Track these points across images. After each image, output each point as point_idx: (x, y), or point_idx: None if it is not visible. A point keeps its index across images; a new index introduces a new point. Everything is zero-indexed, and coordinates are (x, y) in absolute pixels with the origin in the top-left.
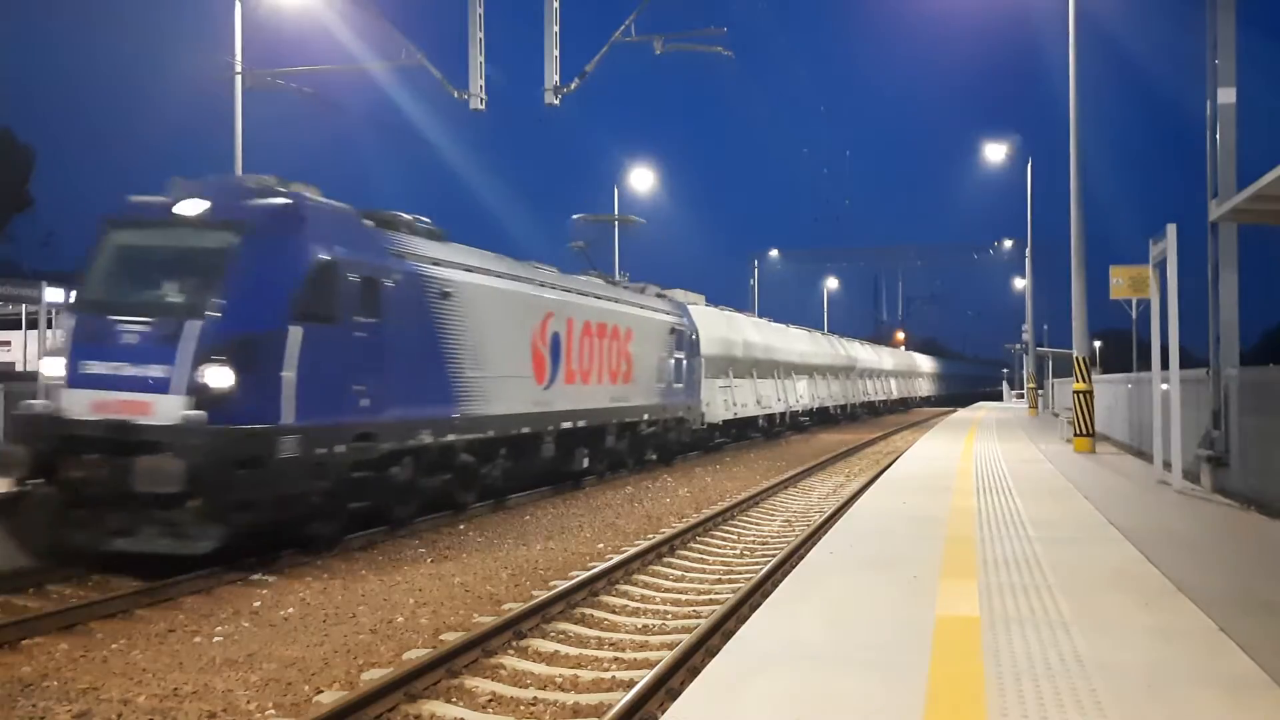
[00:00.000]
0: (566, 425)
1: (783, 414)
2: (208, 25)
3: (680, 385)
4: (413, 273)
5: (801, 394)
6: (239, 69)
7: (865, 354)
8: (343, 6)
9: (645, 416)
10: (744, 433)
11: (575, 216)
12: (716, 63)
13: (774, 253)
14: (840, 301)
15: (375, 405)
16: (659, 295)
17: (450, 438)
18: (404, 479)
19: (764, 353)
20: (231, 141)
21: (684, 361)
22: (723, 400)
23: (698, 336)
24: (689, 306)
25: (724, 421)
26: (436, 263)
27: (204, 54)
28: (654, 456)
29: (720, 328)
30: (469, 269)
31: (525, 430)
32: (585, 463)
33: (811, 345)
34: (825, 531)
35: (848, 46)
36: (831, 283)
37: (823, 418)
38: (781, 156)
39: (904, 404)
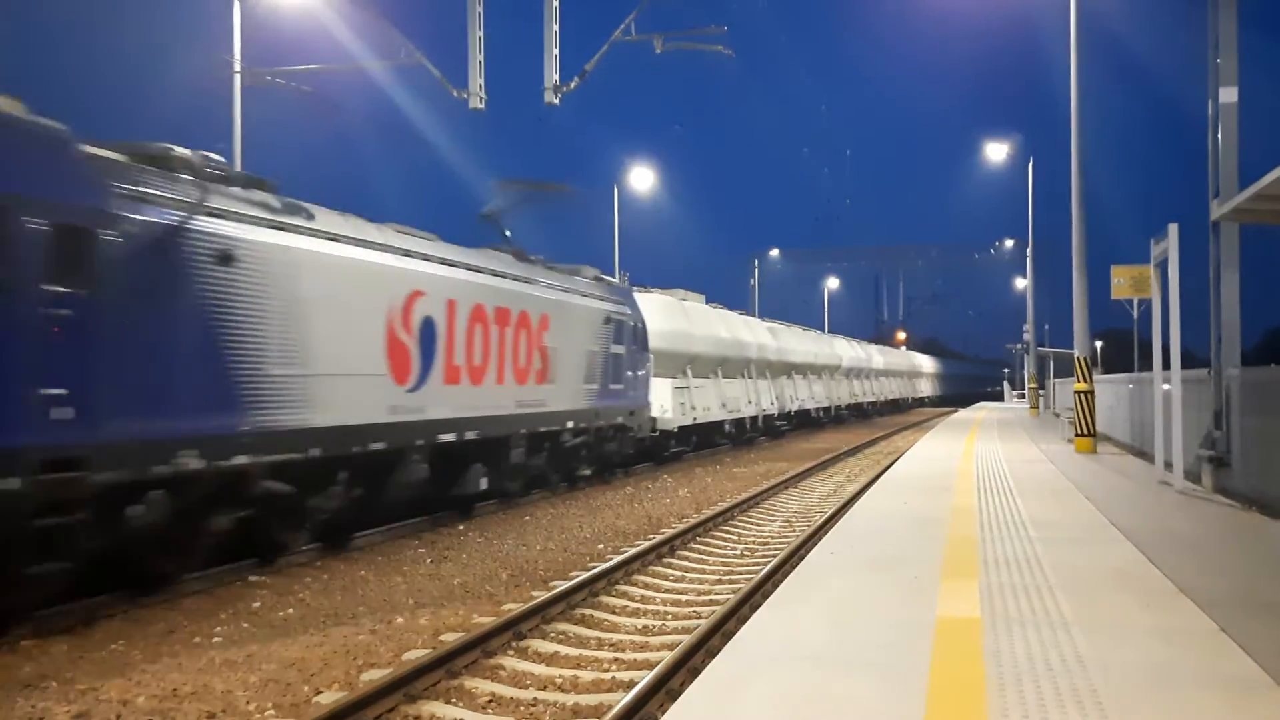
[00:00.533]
0: (447, 438)
1: (754, 418)
2: (206, 24)
3: (620, 386)
4: (164, 226)
5: (777, 396)
6: (238, 68)
7: (852, 351)
8: (342, 6)
9: (570, 424)
10: (709, 439)
11: (494, 182)
12: (717, 62)
13: (774, 252)
14: (841, 302)
15: (84, 417)
16: (598, 279)
17: (239, 460)
18: (152, 521)
19: (732, 349)
20: (230, 140)
21: (626, 357)
22: (678, 403)
23: (645, 328)
24: (639, 294)
25: (680, 428)
26: (216, 214)
27: (202, 52)
28: (588, 472)
29: (675, 319)
30: (277, 226)
31: (379, 446)
32: (483, 484)
33: (788, 341)
34: (826, 532)
35: (848, 46)
36: (832, 283)
37: (804, 421)
38: (782, 156)
39: (897, 406)
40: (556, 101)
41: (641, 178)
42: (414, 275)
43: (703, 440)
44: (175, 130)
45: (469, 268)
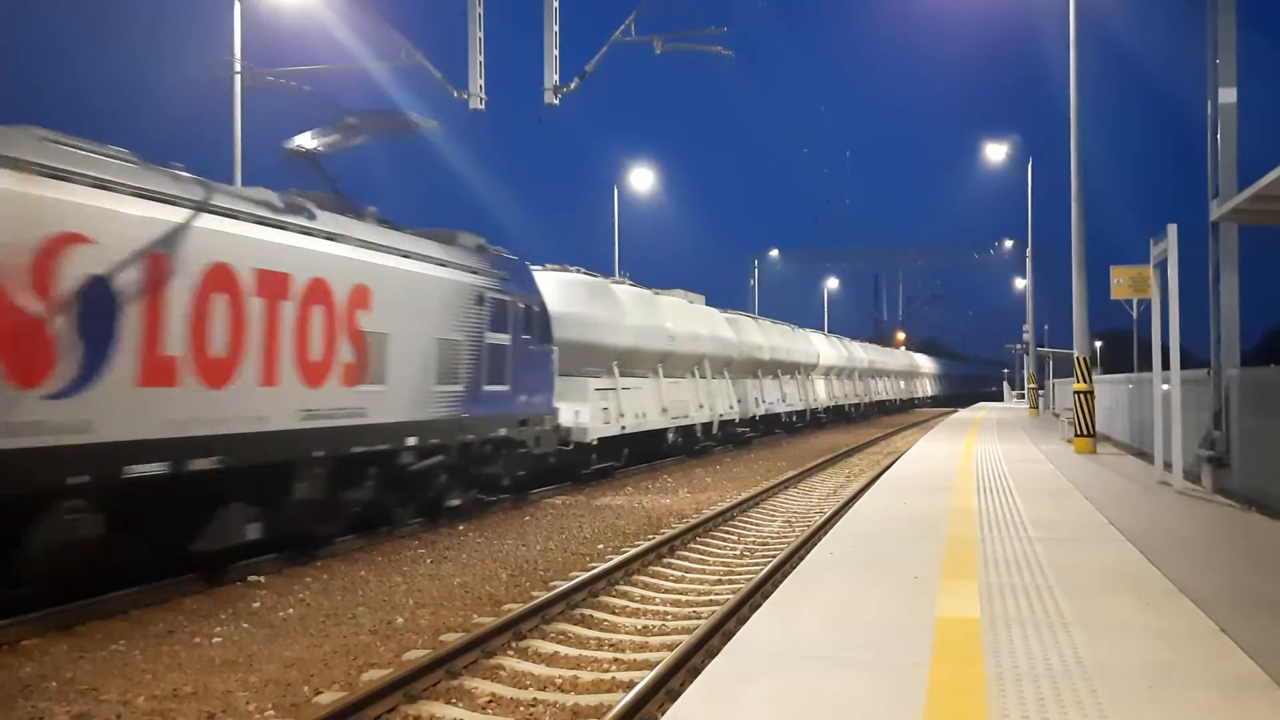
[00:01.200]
0: (144, 470)
1: (707, 425)
2: (206, 24)
3: (503, 388)
4: None
5: (740, 398)
6: (238, 68)
7: (833, 349)
8: (342, 6)
9: (413, 441)
10: (652, 451)
11: (347, 115)
12: (717, 62)
13: (774, 253)
14: (841, 302)
15: None
16: (481, 249)
17: None
18: None
19: (679, 343)
20: (230, 140)
21: (515, 350)
22: (600, 408)
23: (546, 314)
24: (542, 273)
25: (603, 440)
26: None
27: (204, 53)
28: (456, 502)
29: (595, 304)
30: None
31: None
32: (251, 533)
33: (753, 336)
34: (826, 532)
35: (848, 46)
36: (832, 283)
37: (774, 426)
38: (782, 156)
39: (883, 408)
40: (556, 102)
41: (641, 178)
42: (59, 209)
43: (641, 453)
44: (177, 129)
45: (197, 206)
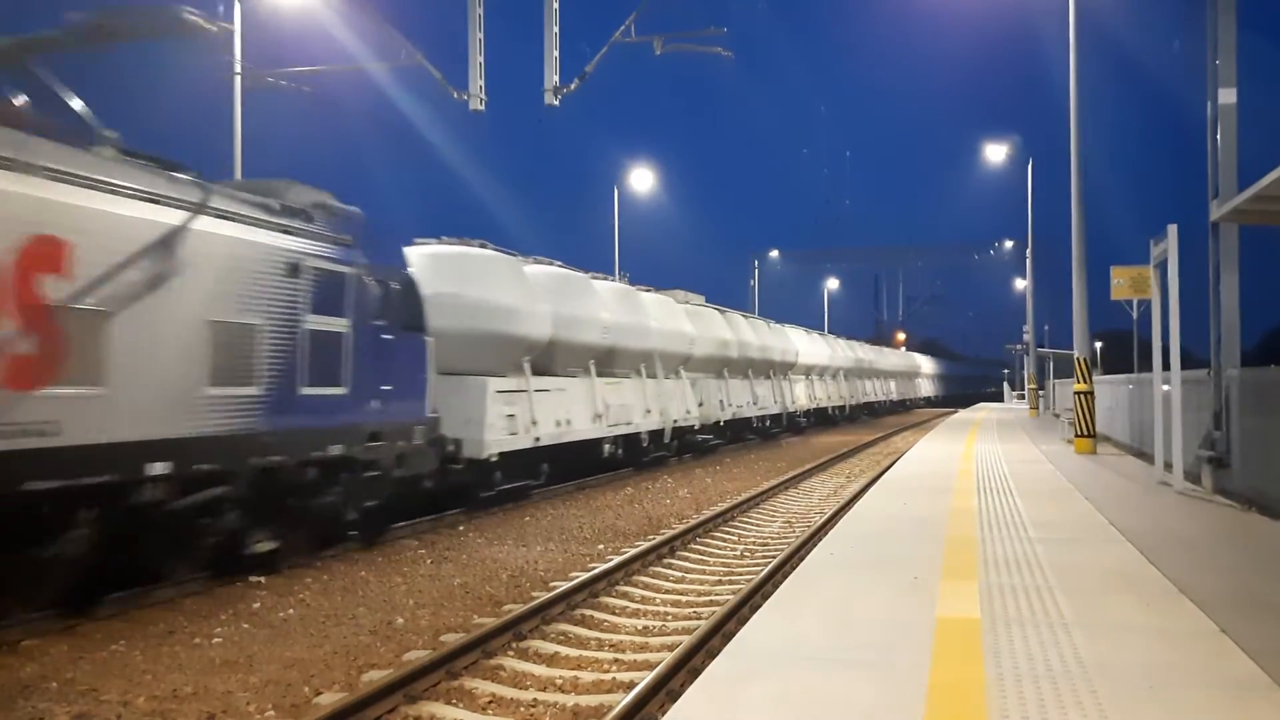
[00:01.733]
0: None
1: (657, 432)
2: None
3: (340, 391)
4: None
5: (702, 400)
6: (238, 69)
7: (814, 346)
8: (341, 6)
9: (164, 468)
10: (585, 465)
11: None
12: (716, 63)
13: (774, 253)
14: (841, 302)
15: None
16: (319, 207)
17: None
18: None
19: (619, 335)
20: (230, 141)
21: (355, 339)
22: (505, 415)
23: (416, 295)
24: (423, 248)
25: (510, 454)
26: None
27: (203, 53)
28: (269, 547)
29: (496, 285)
30: None
31: None
32: None
33: (716, 330)
34: (826, 533)
35: (848, 47)
36: (832, 283)
37: (744, 432)
38: (781, 157)
39: (872, 410)
40: (556, 103)
41: (641, 179)
42: None
43: (569, 467)
44: (178, 129)
45: None
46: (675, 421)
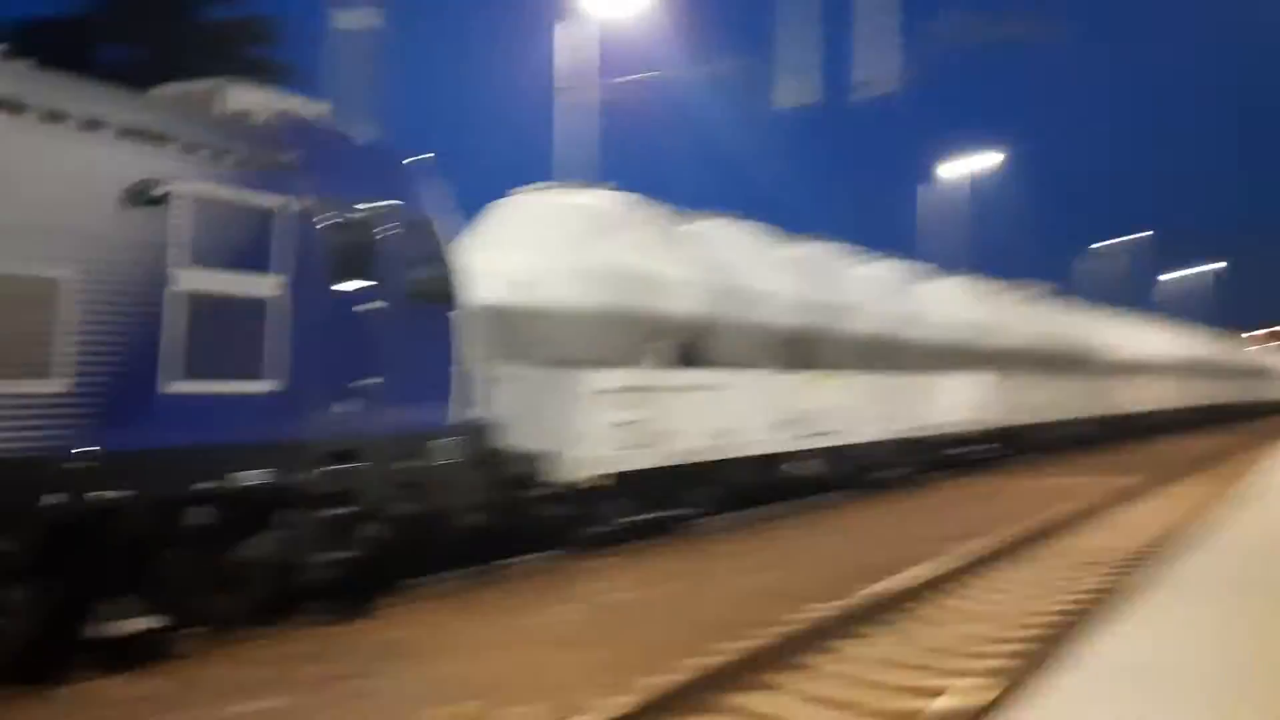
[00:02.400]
0: None
1: (887, 443)
2: (534, 43)
3: (269, 386)
4: None
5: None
6: (561, 86)
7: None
8: (658, 22)
9: None
10: (769, 489)
11: None
12: (1051, 46)
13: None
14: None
15: None
16: (275, 116)
17: None
18: None
19: (825, 315)
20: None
21: (316, 310)
22: (613, 422)
23: (437, 241)
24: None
25: (625, 475)
26: None
27: (529, 74)
28: (125, 628)
29: (611, 244)
30: None
31: None
32: None
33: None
34: (1183, 550)
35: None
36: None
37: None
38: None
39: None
40: (869, 96)
41: (950, 169)
42: None
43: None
44: (508, 145)
45: None
46: (897, 433)
